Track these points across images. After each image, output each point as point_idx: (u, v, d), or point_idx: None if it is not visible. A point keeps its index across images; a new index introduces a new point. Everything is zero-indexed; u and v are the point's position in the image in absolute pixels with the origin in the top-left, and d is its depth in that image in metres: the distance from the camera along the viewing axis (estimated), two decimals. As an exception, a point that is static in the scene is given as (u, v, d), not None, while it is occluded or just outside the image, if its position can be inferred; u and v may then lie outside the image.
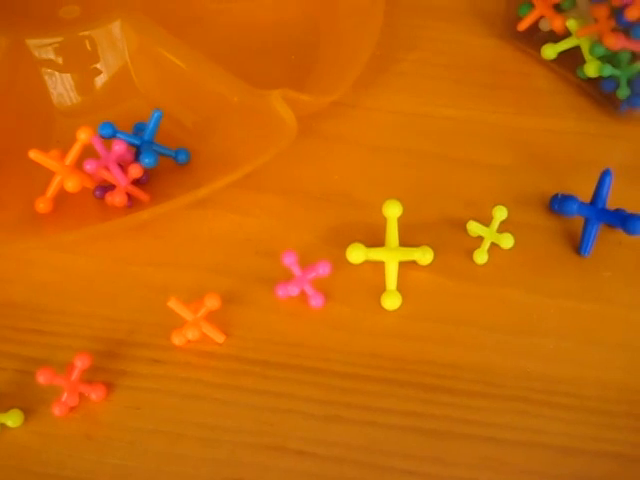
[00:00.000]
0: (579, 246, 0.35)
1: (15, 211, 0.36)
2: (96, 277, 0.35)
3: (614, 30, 0.39)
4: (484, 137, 0.40)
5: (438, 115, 0.41)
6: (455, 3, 0.47)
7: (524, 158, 0.39)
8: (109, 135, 0.36)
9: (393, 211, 0.34)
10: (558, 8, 0.42)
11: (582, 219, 0.36)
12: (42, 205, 0.36)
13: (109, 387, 0.32)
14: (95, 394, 0.31)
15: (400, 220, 0.34)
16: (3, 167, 0.37)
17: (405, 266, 0.34)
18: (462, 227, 0.36)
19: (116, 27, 0.39)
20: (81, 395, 0.31)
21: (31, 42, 0.39)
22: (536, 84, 0.43)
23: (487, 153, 0.40)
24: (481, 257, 0.35)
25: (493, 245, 0.35)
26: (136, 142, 0.36)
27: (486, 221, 0.35)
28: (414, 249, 0.34)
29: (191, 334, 0.32)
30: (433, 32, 0.45)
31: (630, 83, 0.40)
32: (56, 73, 0.39)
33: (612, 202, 0.36)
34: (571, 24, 0.40)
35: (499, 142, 0.40)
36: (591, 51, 0.40)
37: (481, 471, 0.30)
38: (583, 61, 0.41)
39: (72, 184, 0.34)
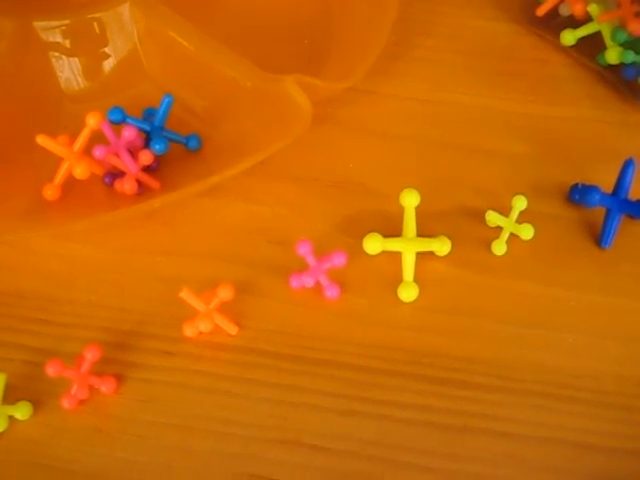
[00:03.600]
0: (599, 238, 0.35)
1: (23, 198, 0.35)
2: (105, 266, 0.34)
3: (637, 15, 0.38)
4: (501, 125, 0.39)
5: (454, 102, 0.40)
6: (471, -13, 0.46)
7: (542, 147, 0.39)
8: (119, 120, 0.35)
9: (411, 200, 0.33)
10: (579, -8, 0.41)
11: (602, 209, 0.35)
12: (50, 192, 0.35)
13: (119, 379, 0.31)
14: (105, 387, 0.30)
15: (416, 209, 0.34)
16: (10, 153, 0.36)
17: (422, 257, 0.34)
18: (479, 217, 0.35)
19: (125, 9, 0.38)
20: (91, 388, 0.30)
21: (38, 24, 0.38)
22: (554, 71, 0.42)
23: (504, 141, 0.39)
24: (500, 248, 0.34)
25: (511, 236, 0.34)
26: (146, 128, 0.36)
27: (503, 210, 0.35)
28: (432, 240, 0.33)
29: (203, 326, 0.31)
30: (449, 17, 0.44)
31: (652, 71, 0.39)
32: (64, 57, 0.38)
33: (633, 193, 0.35)
34: (593, 9, 0.39)
35: (516, 130, 0.39)
36: (613, 37, 0.39)
37: (498, 467, 0.29)
38: (603, 47, 0.40)
39: (81, 170, 0.34)
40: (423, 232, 0.34)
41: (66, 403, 0.30)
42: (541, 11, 0.42)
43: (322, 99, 0.37)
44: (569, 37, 0.41)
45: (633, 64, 0.39)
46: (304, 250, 0.32)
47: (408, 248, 0.33)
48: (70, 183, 0.35)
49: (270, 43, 0.41)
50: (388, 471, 0.29)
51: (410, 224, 0.33)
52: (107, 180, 0.35)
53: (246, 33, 0.41)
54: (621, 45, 0.39)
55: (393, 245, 0.33)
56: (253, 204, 0.36)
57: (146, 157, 0.34)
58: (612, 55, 0.39)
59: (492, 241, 0.34)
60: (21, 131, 0.36)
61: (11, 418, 0.30)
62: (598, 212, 0.35)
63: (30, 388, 0.31)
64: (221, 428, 0.30)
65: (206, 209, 0.36)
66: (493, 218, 0.34)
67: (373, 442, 0.30)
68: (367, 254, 0.33)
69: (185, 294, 0.31)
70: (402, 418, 0.30)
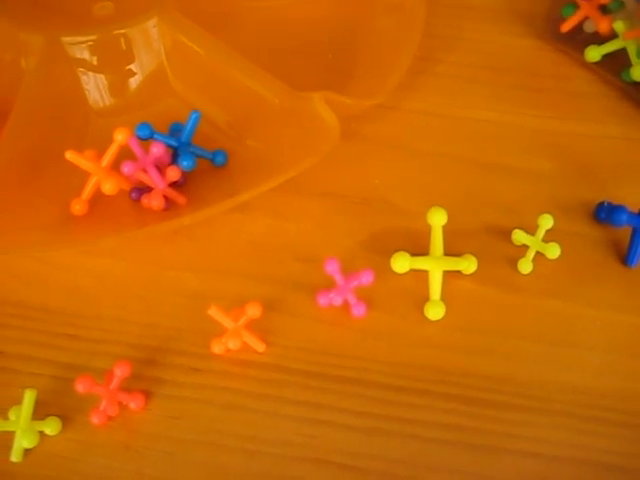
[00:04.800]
0: (625, 257, 0.35)
1: (51, 213, 0.35)
2: (132, 282, 0.34)
3: (664, 33, 0.38)
4: (524, 142, 0.39)
5: (478, 118, 0.40)
6: (495, 3, 0.45)
7: (566, 164, 0.38)
8: (146, 136, 0.35)
9: (438, 219, 0.33)
10: (604, 9, 0.41)
11: (628, 228, 0.35)
12: (78, 207, 0.35)
13: (148, 396, 0.31)
14: (134, 403, 0.30)
15: (443, 227, 0.34)
16: (38, 167, 0.36)
17: (448, 275, 0.34)
18: (505, 235, 0.35)
19: (152, 25, 0.39)
20: (120, 404, 0.30)
21: (66, 40, 0.38)
22: (578, 87, 0.42)
23: (528, 158, 0.39)
24: (526, 267, 0.34)
25: (537, 254, 0.34)
26: (173, 144, 0.36)
27: (529, 228, 0.35)
28: (460, 259, 0.33)
29: (232, 343, 0.31)
30: (472, 33, 0.44)
31: (678, 88, 0.39)
32: (91, 72, 0.38)
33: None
34: (618, 26, 0.39)
35: (540, 147, 0.39)
36: (638, 54, 0.39)
37: (526, 487, 0.29)
38: (628, 64, 0.40)
39: (110, 186, 0.34)
40: (449, 250, 0.34)
41: (95, 419, 0.30)
42: (565, 27, 0.42)
43: (348, 115, 0.37)
44: (594, 53, 0.41)
45: (658, 82, 0.39)
46: (332, 268, 0.32)
47: (435, 267, 0.33)
48: (97, 198, 0.35)
49: (294, 58, 0.41)
50: (415, 490, 0.29)
51: (437, 243, 0.33)
52: (134, 195, 0.36)
53: (271, 48, 0.41)
54: (646, 62, 0.39)
55: (420, 264, 0.33)
56: (280, 220, 0.36)
57: (173, 173, 0.34)
58: (637, 72, 0.39)
59: (518, 260, 0.34)
60: (49, 145, 0.37)
61: (40, 433, 0.30)
62: (624, 231, 0.35)
63: (59, 404, 0.31)
64: (249, 445, 0.30)
65: (233, 225, 0.36)
66: (519, 237, 0.34)
67: (400, 461, 0.30)
68: (394, 272, 0.33)
69: (213, 311, 0.31)
70: (429, 437, 0.30)
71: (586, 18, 0.41)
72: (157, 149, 0.34)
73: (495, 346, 0.32)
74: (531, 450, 0.30)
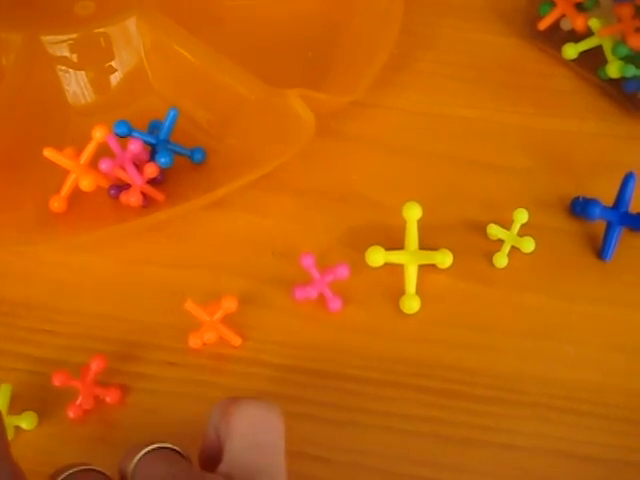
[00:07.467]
0: (600, 250, 0.35)
1: (30, 210, 0.35)
2: (111, 278, 0.35)
3: (638, 30, 0.38)
4: (503, 138, 0.40)
5: (456, 115, 0.40)
6: (474, 1, 0.46)
7: (544, 160, 0.39)
8: (124, 134, 0.35)
9: (413, 213, 0.33)
10: (580, 7, 0.41)
11: (603, 222, 0.35)
12: (56, 204, 0.35)
13: (124, 390, 0.31)
14: (110, 397, 0.30)
15: (418, 222, 0.34)
16: (18, 165, 0.36)
17: (424, 269, 0.34)
18: (481, 230, 0.36)
19: (131, 24, 0.39)
20: (96, 398, 0.31)
21: (46, 39, 0.38)
22: (556, 84, 0.42)
23: (506, 154, 0.39)
24: (501, 261, 0.34)
25: (513, 248, 0.35)
26: (152, 141, 0.36)
27: (505, 224, 0.35)
28: (434, 252, 0.34)
29: (208, 337, 0.31)
30: (451, 31, 0.44)
31: (653, 84, 0.39)
32: (71, 70, 0.39)
33: (634, 206, 0.35)
34: (594, 23, 0.40)
35: (518, 143, 0.39)
36: (614, 51, 0.39)
37: (501, 479, 0.29)
38: (605, 61, 0.40)
39: (87, 183, 0.34)
40: (425, 245, 0.34)
41: (71, 413, 0.30)
42: (542, 25, 0.42)
43: (325, 112, 0.37)
44: (571, 51, 0.41)
45: (634, 78, 0.39)
46: (307, 262, 0.32)
47: (410, 260, 0.33)
48: (76, 195, 0.36)
49: (274, 56, 0.41)
50: (391, 482, 0.29)
51: (412, 237, 0.34)
52: (113, 192, 0.36)
53: (250, 46, 0.41)
54: (622, 59, 0.39)
55: (395, 258, 0.33)
56: (257, 216, 0.36)
57: (151, 170, 0.34)
58: (613, 69, 0.39)
59: (494, 254, 0.34)
60: (29, 143, 0.37)
61: (17, 428, 0.30)
62: (599, 225, 0.35)
63: (36, 398, 0.31)
64: (224, 439, 0.30)
65: (211, 221, 0.36)
66: (494, 231, 0.35)
67: (376, 453, 0.30)
68: (370, 266, 0.34)
69: (189, 306, 0.31)
70: (405, 429, 0.30)
71: (563, 16, 0.42)
72: (134, 146, 0.34)
73: (471, 339, 0.33)
74: (508, 442, 0.30)
